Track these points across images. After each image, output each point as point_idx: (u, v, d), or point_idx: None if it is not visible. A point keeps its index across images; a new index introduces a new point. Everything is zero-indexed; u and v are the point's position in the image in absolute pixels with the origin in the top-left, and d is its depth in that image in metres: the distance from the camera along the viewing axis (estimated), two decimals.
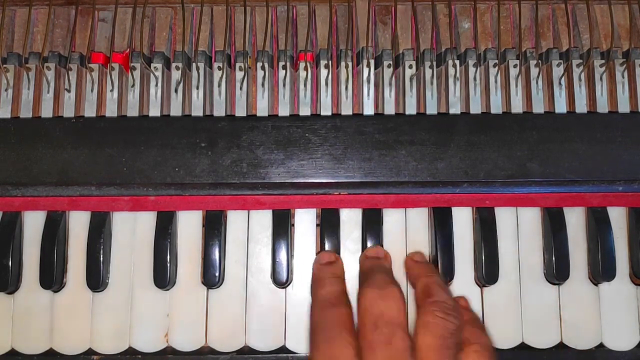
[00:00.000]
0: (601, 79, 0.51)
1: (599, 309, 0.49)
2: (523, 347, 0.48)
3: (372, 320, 0.39)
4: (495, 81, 0.51)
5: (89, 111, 0.50)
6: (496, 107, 0.51)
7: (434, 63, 0.51)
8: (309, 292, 0.48)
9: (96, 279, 0.48)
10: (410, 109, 0.50)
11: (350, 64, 0.51)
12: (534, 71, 0.51)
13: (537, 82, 0.51)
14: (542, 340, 0.48)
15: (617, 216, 0.50)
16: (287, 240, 0.49)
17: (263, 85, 0.51)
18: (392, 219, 0.50)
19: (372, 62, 0.51)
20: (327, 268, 0.46)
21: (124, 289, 0.49)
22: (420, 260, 0.47)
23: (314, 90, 0.51)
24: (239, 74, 0.51)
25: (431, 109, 0.50)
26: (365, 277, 0.44)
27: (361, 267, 0.47)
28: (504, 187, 0.48)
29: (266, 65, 0.51)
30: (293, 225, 0.50)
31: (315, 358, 0.39)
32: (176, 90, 0.51)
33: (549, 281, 0.49)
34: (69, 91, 0.51)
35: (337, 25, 0.54)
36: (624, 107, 0.50)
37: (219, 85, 0.51)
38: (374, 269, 0.45)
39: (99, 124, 0.49)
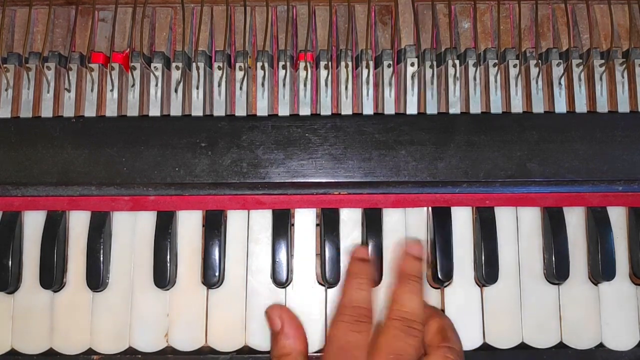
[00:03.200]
0: (601, 78, 0.51)
1: (598, 309, 0.49)
2: (523, 346, 0.48)
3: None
4: (495, 81, 0.51)
5: (89, 111, 0.50)
6: (496, 107, 0.51)
7: (434, 63, 0.51)
8: (308, 292, 0.49)
9: (96, 279, 0.48)
10: (410, 109, 0.50)
11: (350, 63, 0.51)
12: (533, 71, 0.51)
13: (537, 82, 0.51)
14: (542, 340, 0.48)
15: (617, 216, 0.50)
16: (287, 240, 0.49)
17: (263, 85, 0.51)
18: (392, 219, 0.50)
19: (371, 62, 0.51)
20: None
21: (124, 289, 0.49)
22: (419, 257, 0.46)
23: (314, 90, 0.51)
24: (239, 74, 0.51)
25: (431, 108, 0.50)
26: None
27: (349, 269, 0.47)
28: (504, 187, 0.48)
29: (266, 65, 0.51)
30: (293, 225, 0.50)
31: None
32: (176, 90, 0.51)
33: (548, 281, 0.49)
34: (69, 91, 0.51)
35: (337, 25, 0.54)
36: (623, 107, 0.50)
37: (219, 85, 0.51)
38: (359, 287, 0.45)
39: (99, 123, 0.49)
